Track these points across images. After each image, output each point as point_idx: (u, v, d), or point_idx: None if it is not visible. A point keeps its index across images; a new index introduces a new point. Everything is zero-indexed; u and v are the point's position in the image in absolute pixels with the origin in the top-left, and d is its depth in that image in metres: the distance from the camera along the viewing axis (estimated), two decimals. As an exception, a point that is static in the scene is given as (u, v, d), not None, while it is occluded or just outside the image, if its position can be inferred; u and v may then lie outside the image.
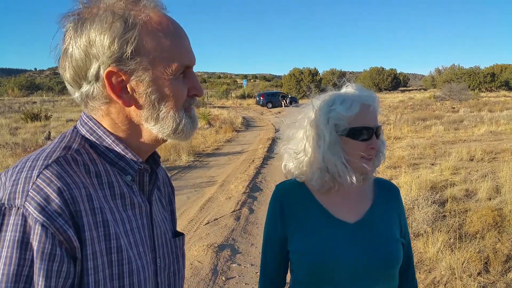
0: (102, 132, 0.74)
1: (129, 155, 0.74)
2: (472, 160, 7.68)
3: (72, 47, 0.69)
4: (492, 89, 51.92)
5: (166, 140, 0.78)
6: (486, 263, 3.44)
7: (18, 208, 0.59)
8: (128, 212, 0.74)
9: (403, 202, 1.30)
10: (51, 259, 0.59)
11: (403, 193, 5.01)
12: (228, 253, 3.99)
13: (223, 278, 3.48)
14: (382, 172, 6.87)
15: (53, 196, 0.61)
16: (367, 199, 1.15)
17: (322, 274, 1.05)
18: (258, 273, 1.23)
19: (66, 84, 0.74)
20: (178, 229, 1.08)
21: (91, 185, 0.68)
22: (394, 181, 5.90)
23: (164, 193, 0.94)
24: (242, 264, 3.77)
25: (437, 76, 60.09)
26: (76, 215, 0.63)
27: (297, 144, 1.13)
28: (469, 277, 3.23)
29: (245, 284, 3.40)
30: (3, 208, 0.60)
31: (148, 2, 0.71)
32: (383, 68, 64.37)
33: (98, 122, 0.74)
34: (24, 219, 0.59)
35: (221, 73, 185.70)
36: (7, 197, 0.60)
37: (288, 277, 1.19)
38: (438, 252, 3.64)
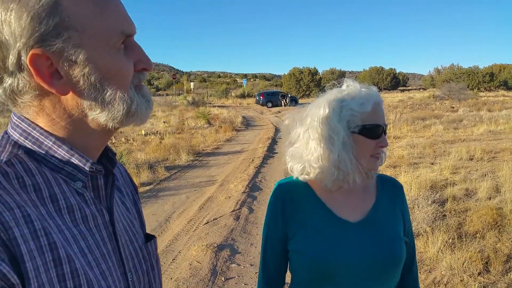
0: (38, 134, 0.60)
1: (75, 157, 0.61)
2: (471, 159, 7.68)
3: None
4: (491, 88, 51.99)
5: (118, 128, 0.66)
6: (486, 263, 3.43)
7: None
8: (80, 227, 0.61)
9: (404, 202, 1.30)
10: None
11: (403, 193, 5.00)
12: (227, 253, 3.98)
13: (222, 279, 3.47)
14: (382, 171, 6.84)
15: None
16: (370, 197, 1.14)
17: (324, 275, 1.04)
18: (258, 273, 1.22)
19: None
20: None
21: (29, 202, 0.55)
22: (394, 181, 5.88)
23: (125, 193, 0.81)
24: (242, 264, 3.76)
25: (436, 76, 60.13)
26: (11, 243, 0.50)
27: (305, 144, 1.10)
28: (470, 277, 3.22)
29: (245, 284, 3.39)
30: None
31: None
32: (383, 68, 64.48)
33: (33, 122, 0.60)
34: None
35: (221, 72, 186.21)
36: None
37: (288, 277, 1.17)
38: (438, 252, 3.63)
